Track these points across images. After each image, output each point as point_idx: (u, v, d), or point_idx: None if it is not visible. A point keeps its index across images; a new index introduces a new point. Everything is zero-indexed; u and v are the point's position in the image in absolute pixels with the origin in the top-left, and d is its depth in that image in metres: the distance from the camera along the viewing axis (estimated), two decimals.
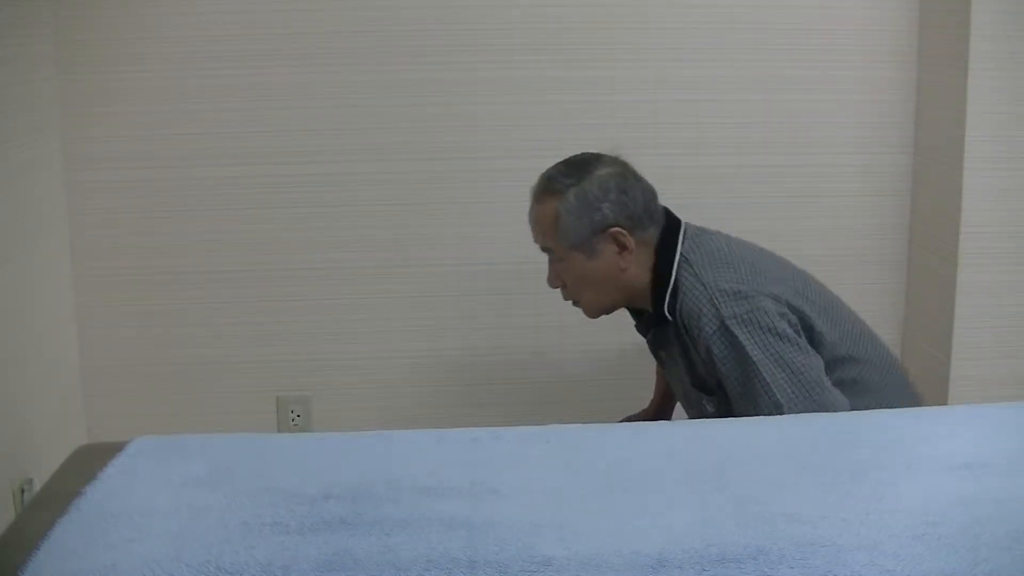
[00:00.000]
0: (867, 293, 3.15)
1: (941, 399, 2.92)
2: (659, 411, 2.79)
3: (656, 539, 1.46)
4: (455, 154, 3.03)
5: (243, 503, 1.60)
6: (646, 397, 2.85)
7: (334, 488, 1.64)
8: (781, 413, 2.18)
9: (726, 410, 2.29)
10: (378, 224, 3.06)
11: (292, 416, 3.12)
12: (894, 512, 1.55)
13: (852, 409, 2.22)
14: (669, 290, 2.30)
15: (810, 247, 3.02)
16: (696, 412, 2.44)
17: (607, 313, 2.44)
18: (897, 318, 3.22)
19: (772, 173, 3.11)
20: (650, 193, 2.36)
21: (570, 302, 2.45)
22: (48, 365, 2.86)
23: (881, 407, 2.26)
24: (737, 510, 1.56)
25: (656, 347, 2.47)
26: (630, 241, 2.31)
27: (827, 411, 2.17)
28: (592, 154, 2.38)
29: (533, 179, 2.92)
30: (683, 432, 1.96)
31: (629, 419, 2.74)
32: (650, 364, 2.70)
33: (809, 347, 2.25)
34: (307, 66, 2.95)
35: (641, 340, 2.52)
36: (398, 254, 3.07)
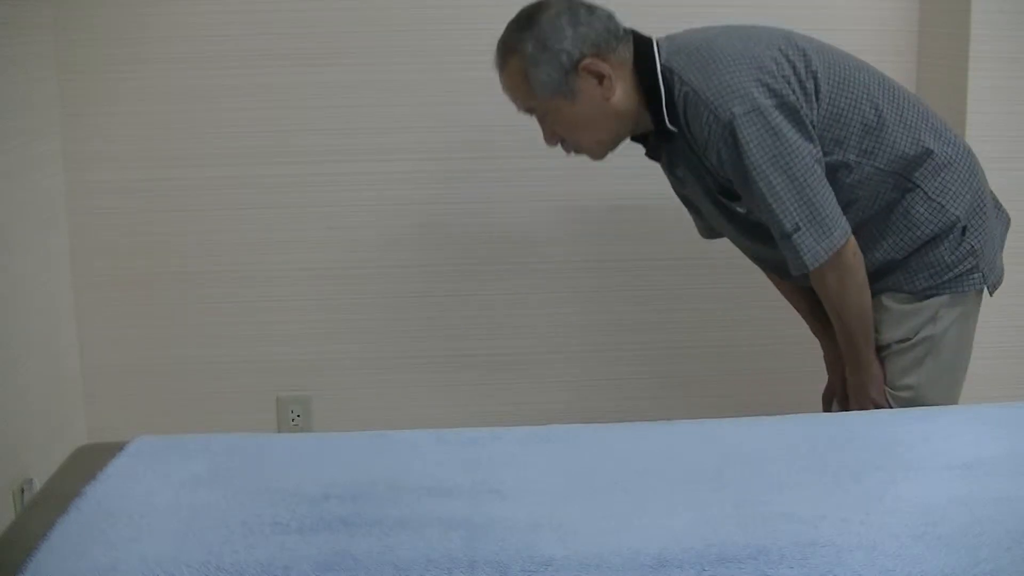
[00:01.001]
0: None
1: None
2: (825, 330, 2.61)
3: (656, 539, 1.46)
4: (455, 154, 3.03)
5: (243, 503, 1.60)
6: (658, 398, 2.84)
7: (334, 488, 1.64)
8: (776, 219, 2.20)
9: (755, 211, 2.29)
10: (378, 224, 3.06)
11: (292, 416, 3.12)
12: (894, 512, 1.55)
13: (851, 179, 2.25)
14: (664, 103, 2.26)
15: None
16: (731, 225, 2.41)
17: (613, 149, 2.38)
18: None
19: None
20: (605, 14, 2.31)
21: (573, 155, 2.40)
22: (48, 365, 2.87)
23: (905, 148, 2.28)
24: (737, 510, 1.57)
25: (671, 167, 2.41)
26: (604, 67, 2.25)
27: (816, 214, 2.18)
28: (533, 3, 2.32)
29: (554, 176, 2.93)
30: (683, 432, 1.96)
31: (831, 388, 2.65)
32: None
33: (801, 138, 2.21)
34: (307, 66, 2.95)
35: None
36: (398, 254, 3.07)
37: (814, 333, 2.62)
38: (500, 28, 2.81)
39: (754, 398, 2.71)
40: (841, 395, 2.51)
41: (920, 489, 1.64)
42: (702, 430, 1.97)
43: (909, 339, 2.31)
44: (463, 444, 1.87)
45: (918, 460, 1.75)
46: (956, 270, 2.30)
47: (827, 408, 2.60)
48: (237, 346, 3.08)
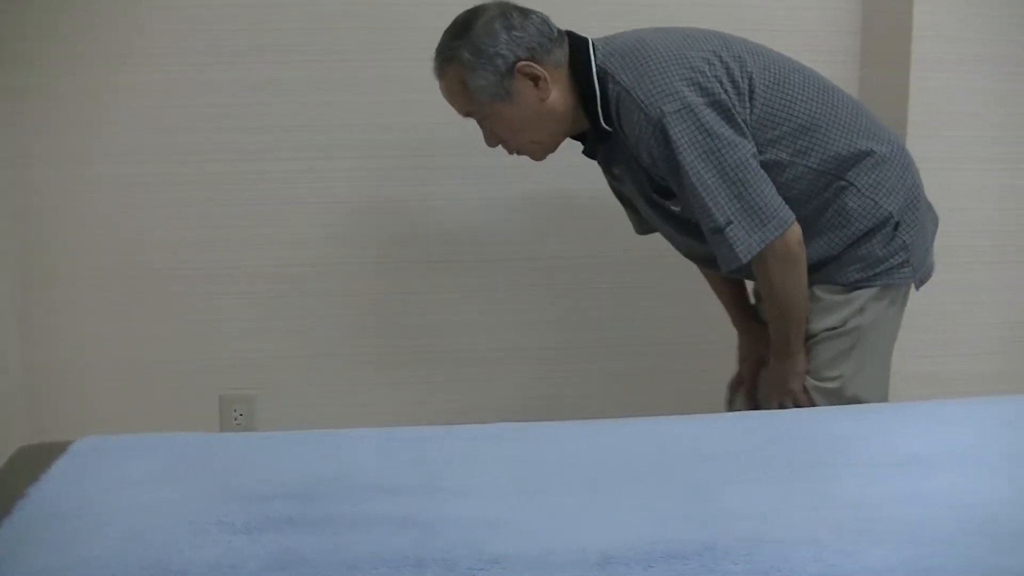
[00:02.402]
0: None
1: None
2: (748, 323, 2.70)
3: (603, 536, 1.47)
4: (402, 151, 3.03)
5: (190, 503, 1.59)
6: (605, 395, 2.85)
7: (282, 487, 1.64)
8: (708, 214, 2.24)
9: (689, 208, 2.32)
10: (322, 222, 3.05)
11: (235, 415, 3.11)
12: (837, 507, 1.56)
13: (786, 182, 2.29)
14: (599, 103, 2.30)
15: None
16: (665, 223, 2.45)
17: (552, 150, 2.43)
18: None
19: None
20: (539, 18, 2.35)
21: (516, 156, 2.46)
22: None
23: (839, 148, 2.33)
24: (683, 507, 1.58)
25: (608, 166, 2.46)
26: (539, 70, 2.30)
27: (750, 207, 2.23)
28: (469, 9, 2.36)
29: (497, 176, 2.94)
30: (630, 429, 1.97)
31: (739, 379, 2.71)
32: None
33: (735, 135, 2.25)
34: (252, 63, 2.95)
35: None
36: (342, 252, 3.07)
37: (734, 323, 2.69)
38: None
39: (702, 395, 2.72)
40: (750, 386, 2.59)
41: (863, 485, 1.66)
42: (649, 428, 1.99)
43: (837, 328, 2.36)
44: (412, 442, 1.87)
45: (861, 456, 1.77)
46: (887, 264, 2.36)
47: (731, 397, 2.68)
48: (179, 345, 3.06)
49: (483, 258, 3.11)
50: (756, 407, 2.56)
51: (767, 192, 2.25)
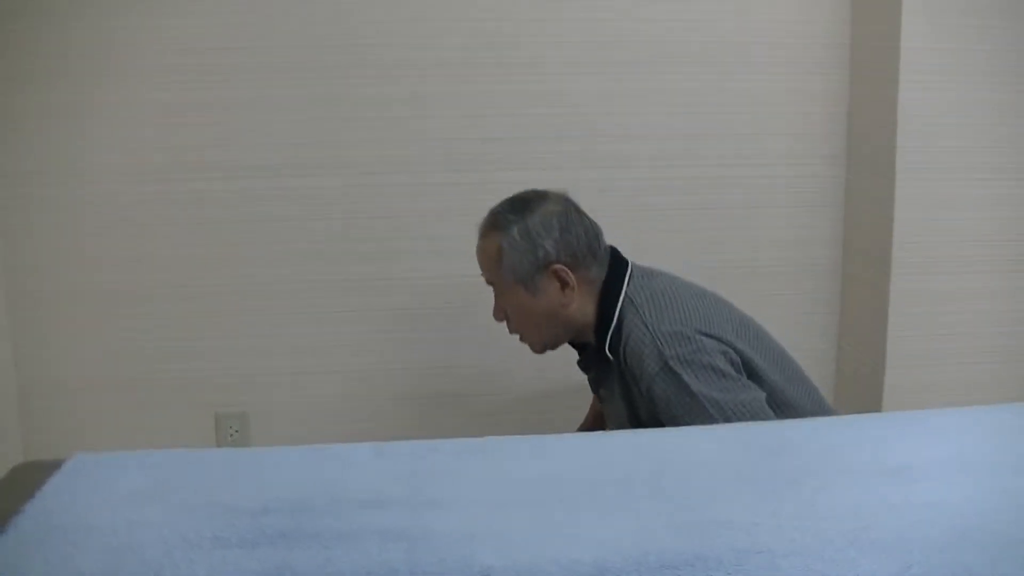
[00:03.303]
0: (801, 302, 3.20)
1: (875, 406, 2.96)
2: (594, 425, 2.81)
3: (594, 547, 1.47)
4: (400, 169, 3.04)
5: (183, 518, 1.59)
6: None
7: (273, 502, 1.64)
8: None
9: None
10: (316, 240, 3.06)
11: (230, 432, 3.11)
12: (827, 517, 1.57)
13: None
14: (612, 329, 2.33)
15: (745, 257, 3.06)
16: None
17: (552, 348, 2.48)
18: (831, 327, 3.26)
19: (706, 185, 3.15)
20: (593, 232, 2.40)
21: (516, 336, 2.48)
22: None
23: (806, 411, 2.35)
24: (673, 518, 1.58)
25: (597, 385, 2.50)
26: (572, 278, 2.34)
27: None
28: (538, 191, 2.41)
29: (479, 193, 2.94)
30: (619, 442, 1.98)
31: None
32: None
33: (750, 383, 2.28)
34: (237, 80, 2.96)
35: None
36: (334, 269, 3.07)
37: (587, 417, 2.80)
38: (456, 46, 2.84)
39: None
40: None
41: (852, 494, 1.66)
42: (638, 439, 1.99)
43: None
44: (401, 457, 1.88)
45: (850, 466, 1.78)
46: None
47: None
48: (174, 363, 3.07)
49: (477, 273, 3.12)
50: None
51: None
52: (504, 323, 2.47)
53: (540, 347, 2.47)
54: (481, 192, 2.97)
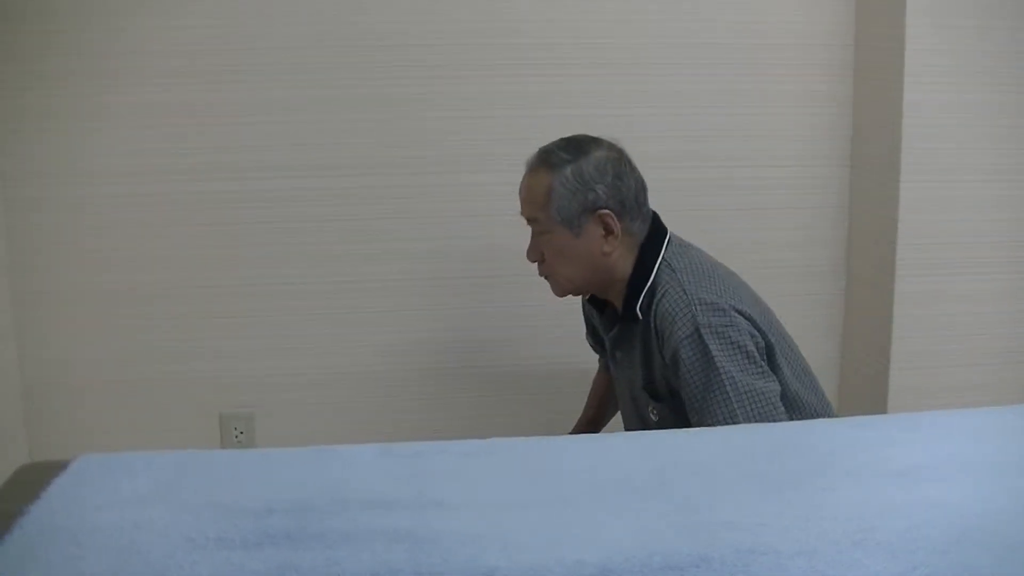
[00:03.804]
0: (806, 303, 3.19)
1: (880, 407, 2.95)
2: (592, 422, 2.81)
3: (599, 548, 1.47)
4: (402, 170, 3.04)
5: (187, 519, 1.59)
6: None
7: (278, 503, 1.64)
8: (732, 415, 2.22)
9: (670, 421, 2.31)
10: (321, 241, 3.06)
11: (235, 433, 3.11)
12: (833, 518, 1.57)
13: None
14: (646, 288, 2.32)
15: (750, 258, 3.04)
16: (637, 420, 2.46)
17: (575, 294, 2.46)
18: (836, 328, 3.26)
19: (711, 187, 3.15)
20: (642, 185, 2.39)
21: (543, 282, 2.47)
22: None
23: (814, 412, 2.35)
24: (679, 519, 1.58)
25: (615, 345, 2.47)
26: (617, 226, 2.33)
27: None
28: (591, 136, 2.39)
29: (482, 194, 2.95)
30: (624, 443, 1.98)
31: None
32: None
33: (770, 372, 2.28)
34: (244, 82, 2.96)
35: None
36: (339, 269, 3.07)
37: (586, 409, 2.79)
38: (454, 44, 2.84)
39: None
40: None
41: (858, 495, 1.66)
42: (643, 441, 1.99)
43: None
44: (406, 458, 1.87)
45: (856, 467, 1.77)
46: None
47: None
48: (179, 363, 3.07)
49: (482, 274, 3.12)
50: None
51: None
52: (536, 265, 2.44)
53: (566, 289, 2.44)
54: (485, 193, 2.99)
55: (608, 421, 2.82)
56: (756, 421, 2.22)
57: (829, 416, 2.45)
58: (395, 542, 1.50)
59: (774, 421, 2.23)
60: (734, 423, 2.21)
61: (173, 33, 2.91)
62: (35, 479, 1.77)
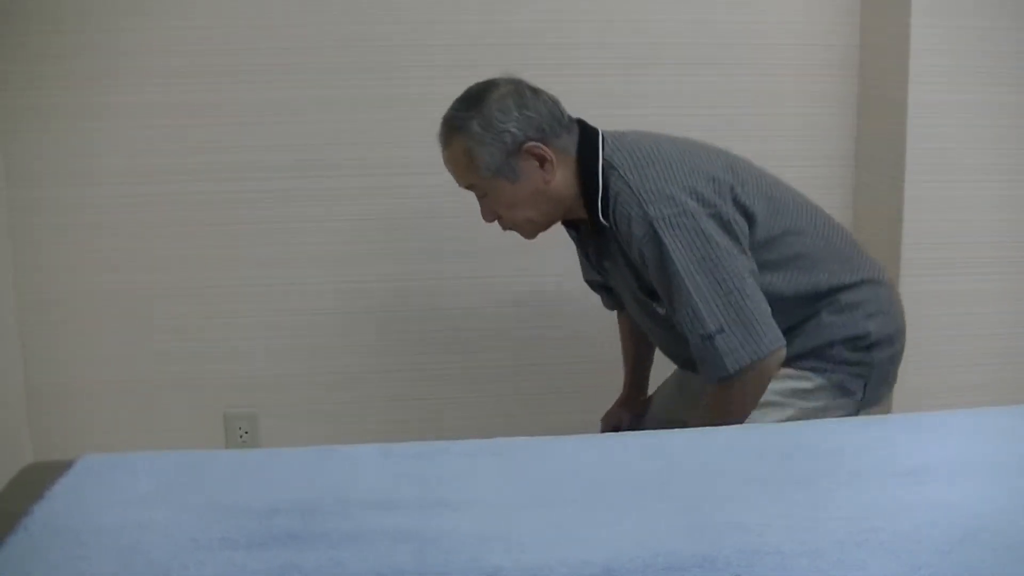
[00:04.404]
0: None
1: (886, 407, 2.95)
2: (634, 385, 2.78)
3: (603, 548, 1.47)
4: (403, 170, 3.04)
5: (191, 519, 1.60)
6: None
7: (282, 503, 1.64)
8: (699, 319, 2.20)
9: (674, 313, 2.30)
10: (325, 241, 3.06)
11: (240, 433, 3.11)
12: (837, 519, 1.57)
13: (784, 301, 2.28)
14: (600, 197, 2.29)
15: None
16: (648, 319, 2.44)
17: (544, 229, 2.42)
18: None
19: None
20: (552, 102, 2.34)
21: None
22: None
23: (830, 277, 2.33)
24: (683, 519, 1.58)
25: (599, 259, 2.46)
26: (548, 152, 2.29)
27: (745, 319, 2.20)
28: (483, 82, 2.36)
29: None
30: (629, 443, 1.98)
31: (609, 416, 2.76)
32: None
33: (734, 247, 2.24)
34: (250, 82, 2.95)
35: None
36: (343, 270, 3.08)
37: (627, 374, 2.74)
38: (442, 46, 2.83)
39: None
40: (622, 427, 2.66)
41: (864, 496, 1.66)
42: (647, 441, 1.99)
43: (776, 402, 2.33)
44: (410, 458, 1.88)
45: (861, 468, 1.78)
46: (848, 368, 2.35)
47: (604, 429, 2.71)
48: (183, 363, 3.07)
49: (482, 274, 3.12)
50: None
51: (763, 308, 2.23)
52: (496, 223, 2.41)
53: (534, 231, 2.41)
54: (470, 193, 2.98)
55: (648, 370, 2.79)
56: (721, 312, 2.19)
57: (839, 235, 2.43)
58: (399, 542, 1.50)
59: (741, 306, 2.20)
60: (700, 318, 2.19)
61: (173, 33, 2.90)
62: (39, 479, 1.78)
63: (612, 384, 2.88)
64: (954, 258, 2.94)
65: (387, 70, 2.97)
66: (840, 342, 2.34)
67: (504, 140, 2.27)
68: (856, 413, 2.39)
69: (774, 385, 2.29)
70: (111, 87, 2.92)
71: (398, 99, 2.98)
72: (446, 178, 2.94)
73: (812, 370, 2.34)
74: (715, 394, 2.28)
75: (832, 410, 2.35)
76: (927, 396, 2.96)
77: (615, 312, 2.73)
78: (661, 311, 2.34)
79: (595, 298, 2.76)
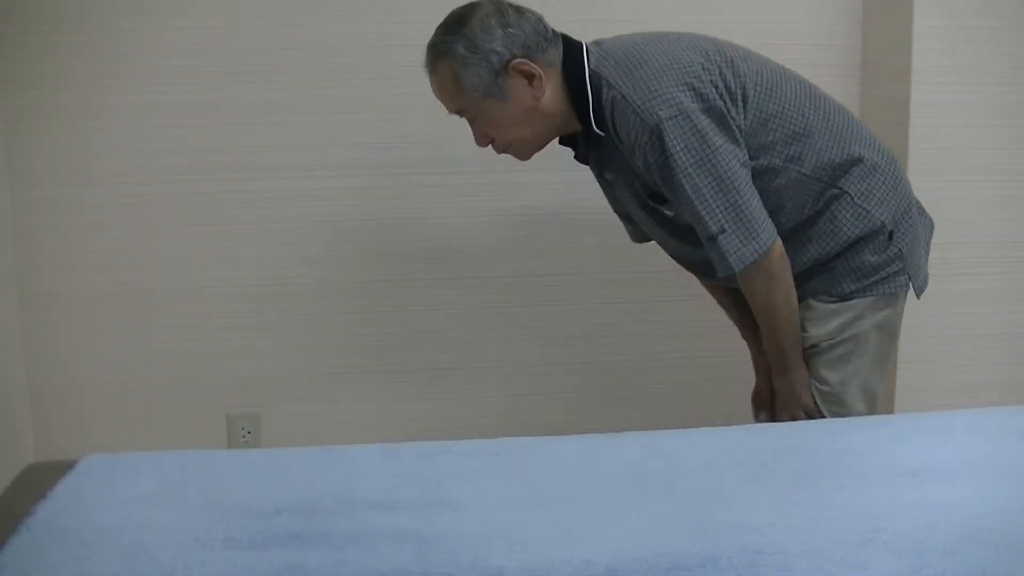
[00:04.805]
0: None
1: (887, 408, 2.95)
2: (761, 359, 2.67)
3: (606, 549, 1.47)
4: (393, 170, 3.04)
5: (194, 519, 1.60)
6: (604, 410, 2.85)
7: (285, 503, 1.64)
8: (701, 222, 2.22)
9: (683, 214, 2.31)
10: (324, 240, 3.06)
11: (242, 433, 3.11)
12: (840, 519, 1.57)
13: (778, 195, 2.29)
14: (591, 106, 2.28)
15: None
16: (655, 225, 2.44)
17: (539, 149, 2.41)
18: None
19: None
20: (534, 17, 2.33)
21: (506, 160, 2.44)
22: None
23: (832, 153, 2.33)
24: (686, 519, 1.58)
25: (601, 171, 2.45)
26: (535, 68, 2.28)
27: (742, 216, 2.22)
28: (464, 5, 2.34)
29: (484, 193, 2.94)
30: (631, 443, 1.97)
31: (759, 391, 2.66)
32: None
33: (728, 142, 2.24)
34: (247, 83, 2.95)
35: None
36: (345, 270, 3.07)
37: (743, 336, 2.67)
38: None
39: (698, 410, 2.73)
40: (768, 399, 2.55)
41: (866, 496, 1.66)
42: (650, 441, 1.99)
43: (833, 338, 2.35)
44: (413, 458, 1.88)
45: (864, 467, 1.78)
46: (882, 272, 2.35)
47: (756, 410, 2.63)
48: (186, 363, 3.07)
49: (479, 275, 3.12)
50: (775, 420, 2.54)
51: (757, 204, 2.25)
52: (490, 147, 2.40)
53: (528, 151, 2.40)
54: (491, 193, 2.99)
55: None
56: (721, 211, 2.21)
57: (837, 110, 2.43)
58: (402, 542, 1.50)
59: (738, 203, 2.21)
60: (702, 220, 2.22)
61: (174, 33, 2.90)
62: (41, 480, 1.78)
63: (612, 384, 2.89)
64: (958, 258, 2.93)
65: (387, 70, 2.97)
66: (859, 250, 2.34)
67: (490, 60, 2.26)
68: (918, 295, 2.45)
69: (831, 329, 2.34)
70: (111, 87, 2.91)
71: (398, 99, 2.97)
72: (446, 178, 2.94)
73: (851, 297, 2.36)
74: (747, 298, 2.37)
75: (896, 312, 2.42)
76: (927, 396, 2.96)
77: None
78: (670, 213, 2.35)
79: (595, 300, 2.78)
